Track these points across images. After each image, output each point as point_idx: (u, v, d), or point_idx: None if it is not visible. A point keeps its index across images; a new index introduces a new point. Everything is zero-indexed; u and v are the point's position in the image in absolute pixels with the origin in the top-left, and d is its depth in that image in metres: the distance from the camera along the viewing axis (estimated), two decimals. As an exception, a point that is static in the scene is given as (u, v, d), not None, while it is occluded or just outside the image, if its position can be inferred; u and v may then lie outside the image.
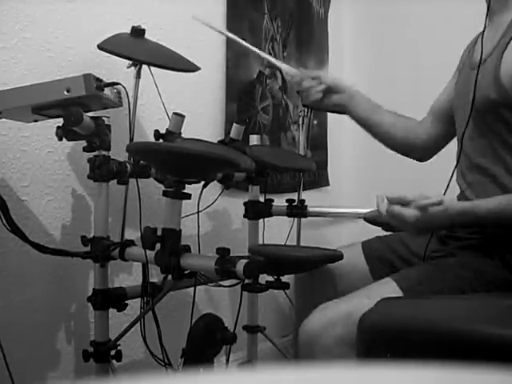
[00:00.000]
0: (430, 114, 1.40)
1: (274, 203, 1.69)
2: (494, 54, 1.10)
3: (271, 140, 2.07)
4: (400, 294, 1.01)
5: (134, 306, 1.32)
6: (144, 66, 1.29)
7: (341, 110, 1.37)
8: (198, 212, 1.36)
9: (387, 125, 1.38)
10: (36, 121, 1.21)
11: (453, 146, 1.31)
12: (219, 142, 1.55)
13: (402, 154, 1.43)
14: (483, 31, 1.15)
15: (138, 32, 1.29)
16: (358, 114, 1.36)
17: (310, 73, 1.35)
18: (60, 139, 1.16)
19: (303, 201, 1.71)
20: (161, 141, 1.31)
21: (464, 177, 1.19)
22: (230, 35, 1.39)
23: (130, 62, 1.28)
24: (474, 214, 1.02)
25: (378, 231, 1.46)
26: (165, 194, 1.06)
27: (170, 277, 1.08)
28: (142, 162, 1.24)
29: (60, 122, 1.13)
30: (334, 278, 1.32)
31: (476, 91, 1.10)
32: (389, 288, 1.02)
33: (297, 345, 1.04)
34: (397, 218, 1.01)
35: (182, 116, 1.34)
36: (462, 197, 1.20)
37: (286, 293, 1.80)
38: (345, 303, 1.01)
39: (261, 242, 1.71)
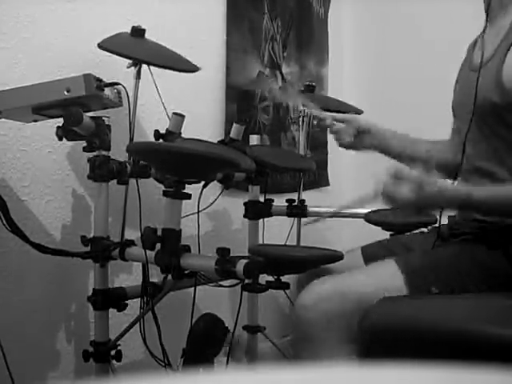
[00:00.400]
0: (453, 132, 1.39)
1: (274, 203, 1.69)
2: (495, 57, 1.10)
3: (271, 140, 2.07)
4: (400, 276, 1.00)
5: (134, 306, 1.32)
6: (144, 66, 1.29)
7: (374, 149, 1.38)
8: (198, 212, 1.36)
9: (423, 153, 1.36)
10: (36, 121, 1.21)
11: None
12: (219, 142, 1.55)
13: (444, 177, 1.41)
14: (483, 33, 1.15)
15: (138, 32, 1.29)
16: (392, 150, 1.36)
17: (340, 116, 1.35)
18: (60, 139, 1.16)
19: (303, 201, 1.71)
20: (161, 141, 1.31)
21: (466, 180, 1.18)
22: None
23: (130, 62, 1.28)
24: (469, 196, 1.00)
25: (379, 231, 1.46)
26: (165, 194, 1.06)
27: (170, 277, 1.08)
28: (142, 161, 1.24)
29: (60, 121, 1.13)
30: None
31: (478, 94, 1.10)
32: (389, 269, 1.02)
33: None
34: (391, 196, 0.99)
35: (182, 116, 1.34)
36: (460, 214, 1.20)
37: (286, 293, 1.80)
38: (338, 279, 1.01)
39: (261, 242, 1.71)
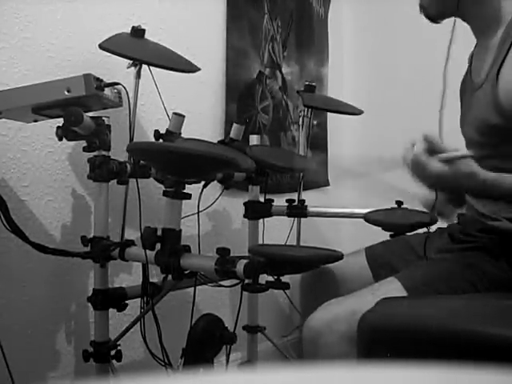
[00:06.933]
0: None
1: (274, 203, 1.69)
2: (489, 78, 1.09)
3: (271, 140, 2.07)
4: (404, 293, 1.01)
5: (134, 306, 1.32)
6: (144, 66, 1.29)
7: None
8: (198, 212, 1.36)
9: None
10: (36, 121, 1.21)
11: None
12: (219, 142, 1.55)
13: None
14: (474, 50, 1.14)
15: (138, 32, 1.29)
16: None
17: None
18: (60, 139, 1.16)
19: (303, 201, 1.71)
20: (161, 141, 1.31)
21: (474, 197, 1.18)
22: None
23: (130, 62, 1.28)
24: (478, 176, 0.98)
25: (378, 231, 1.45)
26: (165, 194, 1.06)
27: (170, 277, 1.08)
28: (142, 161, 1.24)
29: (60, 121, 1.13)
30: (339, 283, 1.32)
31: (477, 116, 1.09)
32: (393, 287, 1.02)
33: (301, 342, 1.05)
34: (419, 166, 0.96)
35: (182, 116, 1.34)
36: (470, 211, 1.20)
37: (286, 293, 1.80)
38: (349, 301, 1.02)
39: (261, 242, 1.71)
